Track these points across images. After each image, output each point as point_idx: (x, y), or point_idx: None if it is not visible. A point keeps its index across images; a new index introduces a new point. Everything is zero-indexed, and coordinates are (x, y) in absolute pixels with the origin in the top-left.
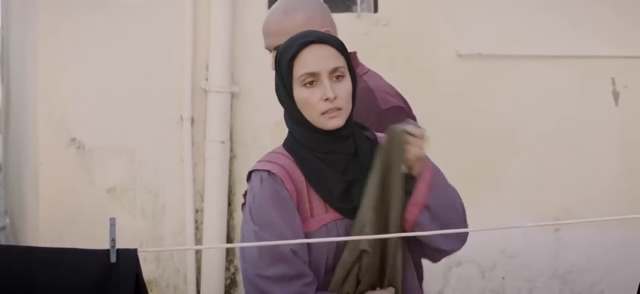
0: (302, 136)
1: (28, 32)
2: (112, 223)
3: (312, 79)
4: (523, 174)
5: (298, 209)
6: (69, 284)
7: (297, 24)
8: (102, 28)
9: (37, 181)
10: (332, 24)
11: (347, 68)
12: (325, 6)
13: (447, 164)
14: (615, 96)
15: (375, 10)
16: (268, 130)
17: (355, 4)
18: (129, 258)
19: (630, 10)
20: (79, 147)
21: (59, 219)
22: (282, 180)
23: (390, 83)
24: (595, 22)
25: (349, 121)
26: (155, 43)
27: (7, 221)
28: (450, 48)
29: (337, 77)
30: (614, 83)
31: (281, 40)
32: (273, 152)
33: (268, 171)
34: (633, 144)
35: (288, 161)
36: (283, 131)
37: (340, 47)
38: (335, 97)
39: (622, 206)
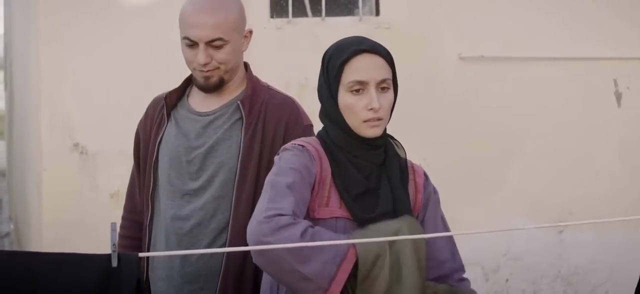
0: (336, 137)
1: (31, 38)
2: (113, 227)
3: (360, 87)
4: (526, 176)
5: (316, 195)
6: (70, 288)
7: (229, 21)
8: (104, 33)
9: (40, 186)
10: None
11: (392, 80)
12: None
13: (450, 166)
14: (618, 97)
15: (377, 13)
16: None
17: (357, 7)
18: (130, 262)
19: (632, 12)
20: (82, 153)
21: (62, 224)
22: (313, 157)
23: None
24: (597, 24)
25: (384, 131)
26: (157, 48)
27: (11, 226)
28: (453, 51)
29: (383, 88)
30: (616, 85)
31: (205, 34)
32: (306, 138)
33: (303, 146)
34: (636, 145)
35: (320, 148)
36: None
37: (389, 58)
38: (379, 108)
39: (625, 207)
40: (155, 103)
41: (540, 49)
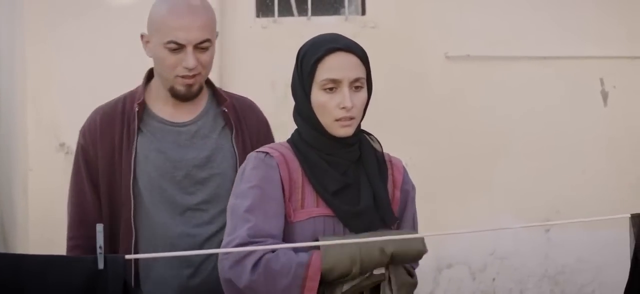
0: (308, 135)
1: (17, 37)
2: (99, 229)
3: (333, 86)
4: (513, 175)
5: (289, 199)
6: (57, 290)
7: (212, 21)
8: (91, 33)
9: (26, 186)
10: None
11: (366, 79)
12: None
13: (436, 165)
14: (604, 96)
15: (363, 12)
16: None
17: (343, 6)
18: (117, 264)
19: (619, 11)
20: (67, 153)
21: (48, 224)
22: (277, 164)
23: (378, 86)
24: (583, 23)
25: (357, 129)
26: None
27: None
28: (439, 50)
29: (356, 87)
30: (602, 83)
31: (194, 35)
32: (275, 143)
33: (265, 153)
34: (622, 144)
35: (288, 152)
36: (272, 135)
37: (364, 57)
38: (352, 107)
39: (612, 206)
40: (108, 116)
41: (526, 48)
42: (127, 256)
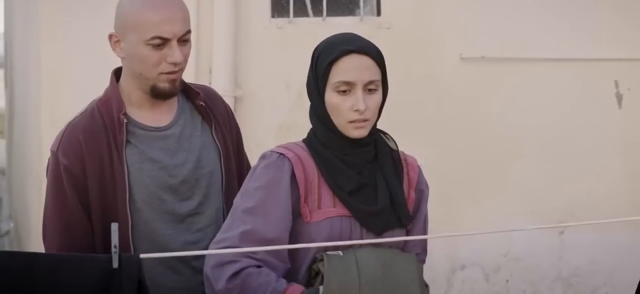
0: (323, 135)
1: (31, 36)
2: (114, 228)
3: (347, 88)
4: (527, 177)
5: (306, 200)
6: (71, 289)
7: (184, 15)
8: (105, 32)
9: (40, 185)
10: None
11: (381, 81)
12: None
13: (451, 167)
14: (619, 98)
15: (378, 13)
16: (271, 134)
17: (358, 7)
18: (132, 263)
19: (633, 13)
20: None
21: None
22: (292, 165)
23: (393, 87)
24: (598, 25)
25: (372, 130)
26: None
27: (11, 225)
28: (454, 51)
29: (370, 90)
30: (617, 86)
31: (178, 28)
32: (291, 142)
33: (279, 153)
34: (636, 146)
35: (303, 152)
36: (286, 135)
37: (379, 59)
38: (366, 109)
39: (626, 209)
40: (89, 132)
41: (541, 50)
42: (142, 255)
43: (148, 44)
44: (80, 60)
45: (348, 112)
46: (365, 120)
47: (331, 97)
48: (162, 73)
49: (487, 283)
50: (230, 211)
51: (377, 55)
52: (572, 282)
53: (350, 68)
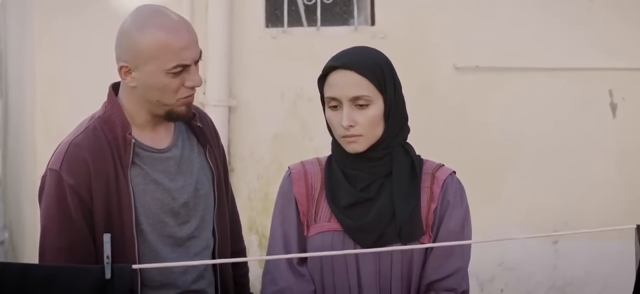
0: (333, 150)
1: (26, 45)
2: (107, 239)
3: (336, 104)
4: (521, 186)
5: (305, 214)
6: None
7: (196, 37)
8: (100, 41)
9: (35, 195)
10: None
11: (378, 91)
12: None
13: None
14: (613, 108)
15: (373, 23)
16: (265, 144)
17: (353, 17)
18: (124, 274)
19: (628, 23)
20: None
21: None
22: (292, 180)
23: None
24: (592, 35)
25: (381, 144)
26: None
27: (6, 235)
28: (448, 61)
29: (361, 105)
30: (611, 95)
31: (196, 52)
32: (315, 157)
33: (289, 168)
34: (631, 156)
35: (315, 166)
36: (280, 145)
37: (369, 73)
38: (350, 126)
39: (620, 218)
40: (95, 151)
41: (535, 59)
42: (135, 266)
43: (169, 73)
44: (75, 71)
45: (339, 128)
46: (358, 135)
47: (327, 113)
48: (180, 98)
49: (482, 293)
50: (271, 239)
51: (365, 70)
52: (566, 291)
53: (335, 84)
